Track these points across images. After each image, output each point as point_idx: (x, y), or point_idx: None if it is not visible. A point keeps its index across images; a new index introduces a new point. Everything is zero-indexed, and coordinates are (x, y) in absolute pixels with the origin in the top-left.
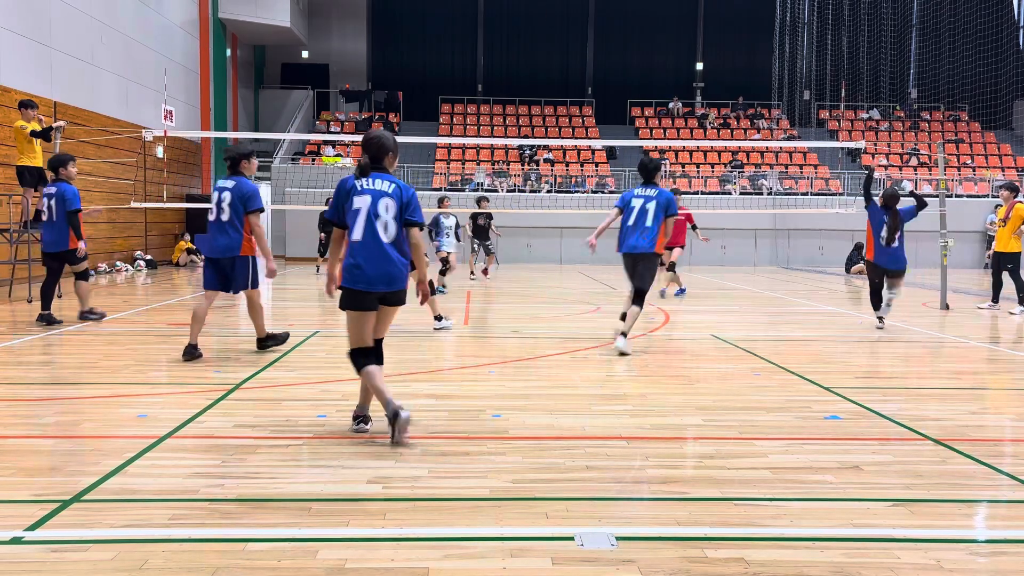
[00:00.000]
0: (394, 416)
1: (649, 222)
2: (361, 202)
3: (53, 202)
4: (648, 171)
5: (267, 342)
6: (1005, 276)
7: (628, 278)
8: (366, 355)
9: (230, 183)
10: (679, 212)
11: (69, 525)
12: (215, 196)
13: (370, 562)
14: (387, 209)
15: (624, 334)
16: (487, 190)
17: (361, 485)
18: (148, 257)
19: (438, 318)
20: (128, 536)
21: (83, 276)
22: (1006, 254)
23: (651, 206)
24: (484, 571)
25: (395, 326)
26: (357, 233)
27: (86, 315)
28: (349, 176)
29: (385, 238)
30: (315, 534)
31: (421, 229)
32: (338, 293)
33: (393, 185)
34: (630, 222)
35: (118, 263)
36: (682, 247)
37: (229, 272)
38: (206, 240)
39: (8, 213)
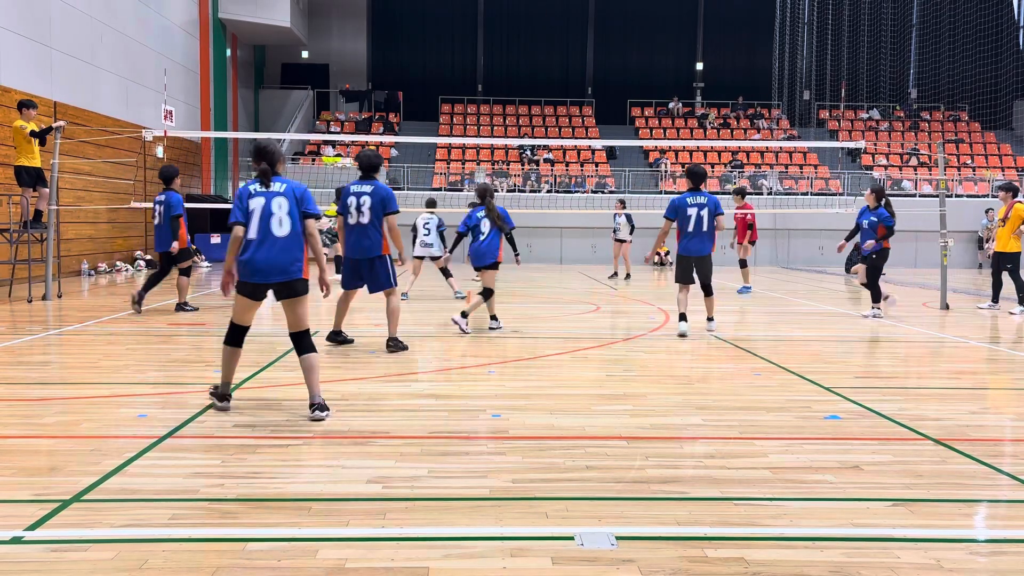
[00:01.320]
0: (220, 398)
1: (706, 227)
2: (256, 203)
3: (161, 208)
4: (697, 177)
5: (396, 345)
6: (1005, 276)
7: (683, 277)
8: (236, 334)
9: (368, 187)
10: (746, 210)
11: (69, 525)
12: (353, 200)
13: (370, 562)
14: (280, 207)
15: (711, 318)
16: None
17: (361, 485)
18: (148, 257)
19: (493, 318)
20: (128, 536)
21: (186, 272)
22: (1005, 254)
23: (704, 212)
24: (484, 571)
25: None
26: (252, 231)
27: (181, 307)
28: (246, 184)
29: (279, 233)
30: (315, 534)
31: (317, 219)
32: (235, 292)
33: (285, 185)
34: (689, 228)
35: (118, 263)
36: (753, 243)
37: (368, 272)
38: (348, 242)
39: (8, 213)
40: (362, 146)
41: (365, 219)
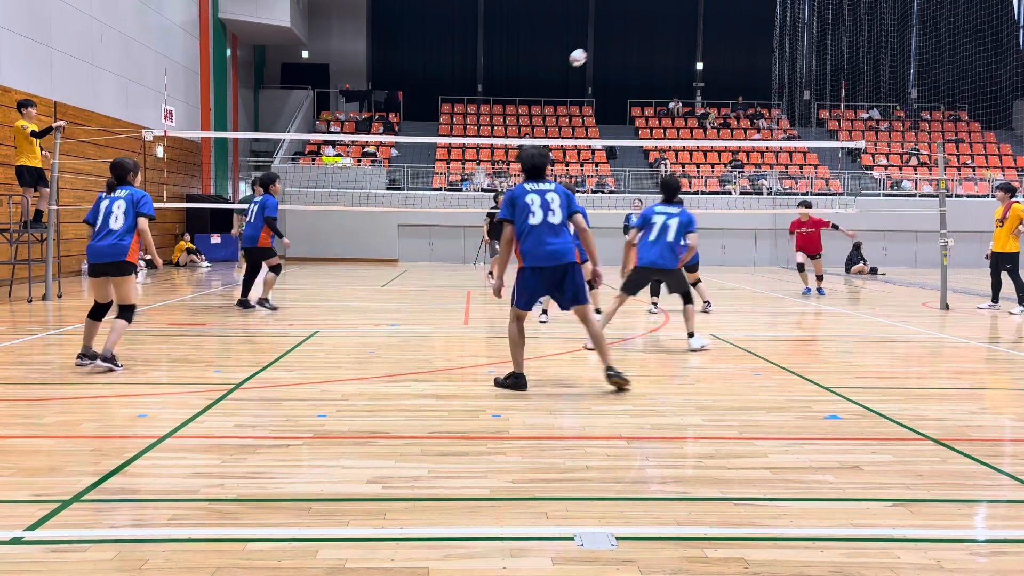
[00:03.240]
0: (83, 356)
1: (671, 238)
2: (103, 206)
3: (256, 207)
4: (671, 189)
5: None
6: (1004, 276)
7: (644, 287)
8: (97, 311)
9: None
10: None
11: (69, 525)
12: (538, 199)
13: (370, 562)
14: (120, 207)
15: (691, 334)
16: (486, 190)
17: (361, 485)
18: (148, 257)
19: (597, 311)
20: (128, 536)
21: (275, 269)
22: (1004, 254)
23: (672, 223)
24: (484, 571)
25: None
26: (97, 227)
27: (262, 302)
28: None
29: (115, 226)
30: (315, 534)
31: (150, 220)
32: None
33: (127, 191)
34: (651, 237)
35: None
36: (818, 255)
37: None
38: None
39: (8, 213)
40: (362, 146)
41: (556, 219)
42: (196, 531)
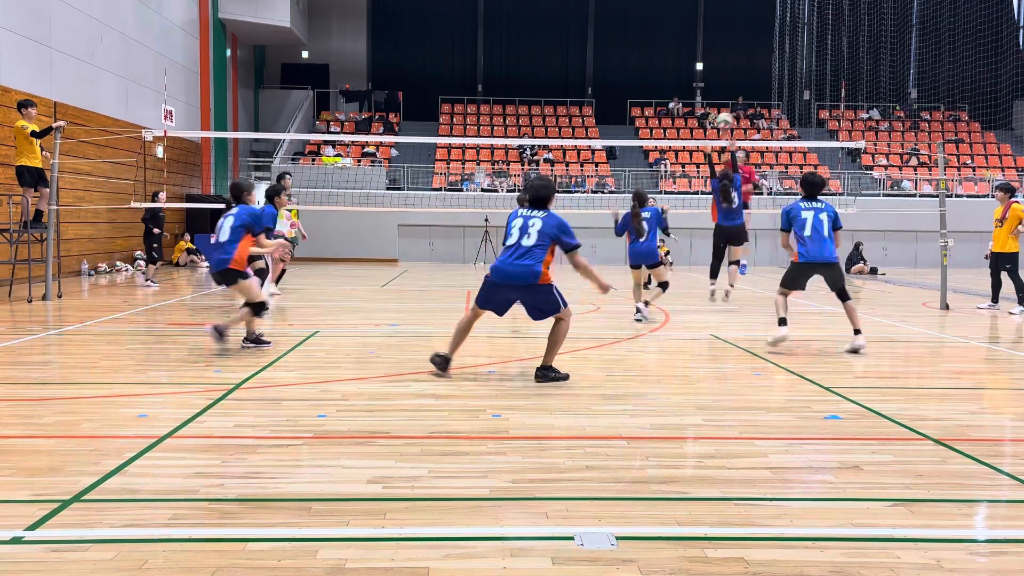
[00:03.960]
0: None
1: (826, 232)
2: (219, 222)
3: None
4: (815, 186)
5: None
6: (1004, 276)
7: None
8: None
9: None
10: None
11: (69, 525)
12: (520, 223)
13: (370, 562)
14: (229, 223)
15: (858, 331)
16: (487, 190)
17: (361, 485)
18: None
19: (645, 303)
20: (128, 536)
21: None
22: (1004, 254)
23: (823, 217)
24: (484, 571)
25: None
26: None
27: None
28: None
29: (222, 239)
30: (315, 534)
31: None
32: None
33: (238, 209)
34: (806, 233)
35: (118, 263)
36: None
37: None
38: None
39: (8, 213)
40: (362, 146)
41: (529, 242)
42: (196, 531)
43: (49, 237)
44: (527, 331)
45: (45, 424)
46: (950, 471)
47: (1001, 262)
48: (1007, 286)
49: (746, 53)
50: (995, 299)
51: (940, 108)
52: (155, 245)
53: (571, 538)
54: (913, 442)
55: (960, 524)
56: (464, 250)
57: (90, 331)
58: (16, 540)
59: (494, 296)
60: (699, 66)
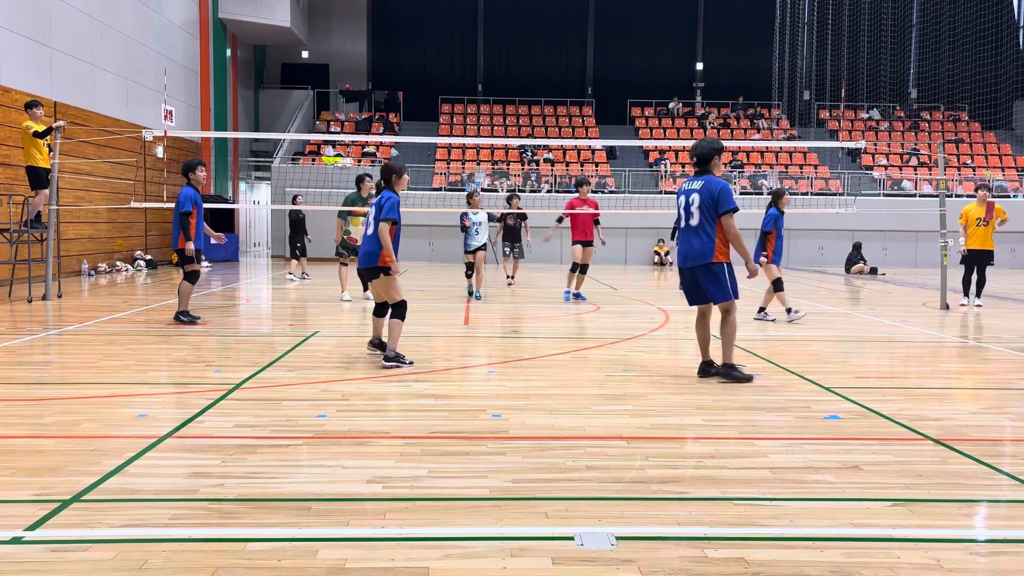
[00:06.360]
0: (380, 346)
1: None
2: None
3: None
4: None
5: (731, 370)
6: (975, 272)
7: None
8: (378, 308)
9: (698, 183)
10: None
11: (69, 525)
12: (682, 200)
13: (370, 562)
14: (370, 214)
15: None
16: (486, 190)
17: (361, 485)
18: (148, 257)
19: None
20: (128, 536)
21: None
22: (987, 252)
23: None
24: (484, 571)
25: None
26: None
27: (181, 316)
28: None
29: (369, 232)
30: (315, 534)
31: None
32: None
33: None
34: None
35: (118, 263)
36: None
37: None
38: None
39: (8, 213)
40: (362, 146)
41: (695, 220)
42: (196, 531)
43: (49, 237)
44: (527, 331)
45: (45, 424)
46: (950, 471)
47: (984, 259)
48: (990, 284)
49: (746, 53)
50: (979, 294)
51: (940, 108)
52: (299, 244)
53: (571, 538)
54: (913, 442)
55: (960, 524)
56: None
57: (90, 331)
58: (16, 540)
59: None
60: (699, 66)
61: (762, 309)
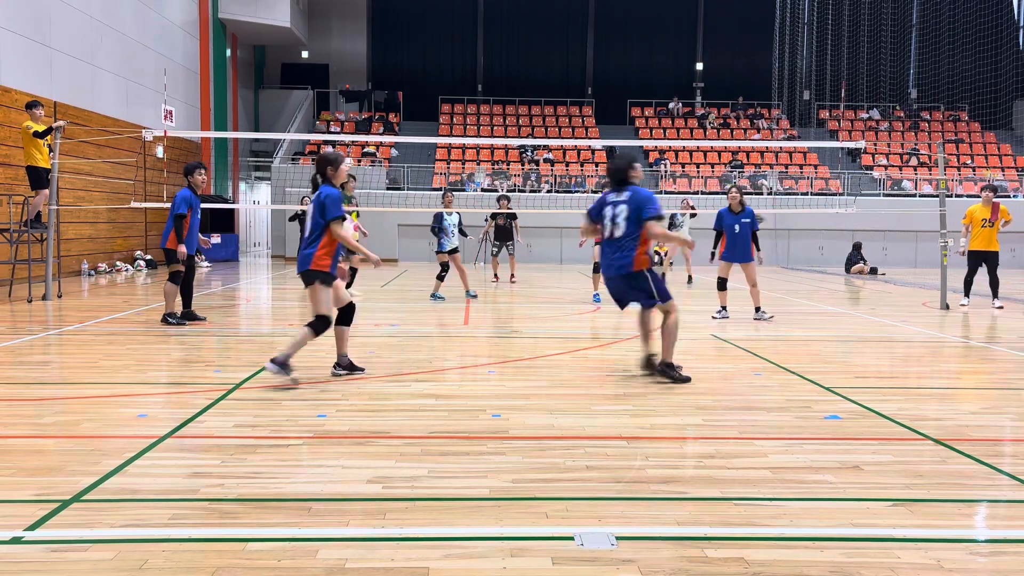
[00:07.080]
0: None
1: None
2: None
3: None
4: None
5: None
6: (982, 272)
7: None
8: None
9: (625, 195)
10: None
11: (69, 525)
12: (608, 211)
13: (370, 562)
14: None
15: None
16: (487, 190)
17: (361, 485)
18: (148, 257)
19: (757, 309)
20: (128, 536)
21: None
22: (992, 253)
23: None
24: (484, 571)
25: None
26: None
27: (168, 318)
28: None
29: (306, 234)
30: (315, 534)
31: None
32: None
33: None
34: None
35: (118, 263)
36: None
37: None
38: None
39: (8, 213)
40: (362, 146)
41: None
42: (196, 531)
43: (49, 237)
44: (527, 331)
45: (45, 424)
46: (950, 471)
47: (990, 260)
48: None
49: (746, 53)
50: (995, 295)
51: (940, 108)
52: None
53: (571, 538)
54: (913, 442)
55: (960, 524)
56: (464, 250)
57: (90, 331)
58: (16, 540)
59: None
60: (699, 66)
61: (758, 309)
